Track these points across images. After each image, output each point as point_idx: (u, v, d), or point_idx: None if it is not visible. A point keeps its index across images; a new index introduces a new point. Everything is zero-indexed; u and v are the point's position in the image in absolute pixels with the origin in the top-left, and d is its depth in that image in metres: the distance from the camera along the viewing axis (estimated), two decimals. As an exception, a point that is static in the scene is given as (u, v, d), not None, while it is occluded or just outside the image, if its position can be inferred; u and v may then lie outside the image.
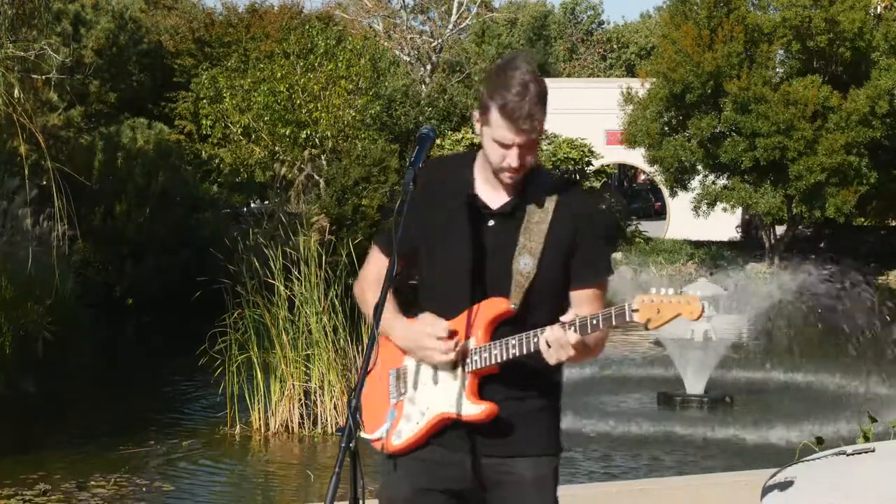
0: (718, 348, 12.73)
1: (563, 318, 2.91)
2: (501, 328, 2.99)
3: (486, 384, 3.00)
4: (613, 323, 2.83)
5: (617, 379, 13.41)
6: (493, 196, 3.05)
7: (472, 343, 2.98)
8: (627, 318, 2.80)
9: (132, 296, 18.84)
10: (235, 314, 10.22)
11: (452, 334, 2.98)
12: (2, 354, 11.37)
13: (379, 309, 2.89)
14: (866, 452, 3.63)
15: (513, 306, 2.97)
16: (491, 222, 3.03)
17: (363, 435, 3.04)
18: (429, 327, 3.01)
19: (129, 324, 18.09)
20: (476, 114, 3.03)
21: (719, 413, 11.67)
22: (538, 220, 3.00)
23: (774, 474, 3.61)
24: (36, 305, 12.31)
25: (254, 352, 10.12)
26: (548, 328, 2.89)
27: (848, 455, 3.62)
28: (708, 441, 10.35)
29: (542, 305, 2.97)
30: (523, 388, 3.02)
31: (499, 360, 2.96)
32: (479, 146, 3.09)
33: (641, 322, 2.78)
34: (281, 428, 10.11)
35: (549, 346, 2.88)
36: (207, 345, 10.05)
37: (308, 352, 10.09)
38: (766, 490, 3.52)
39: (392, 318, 3.10)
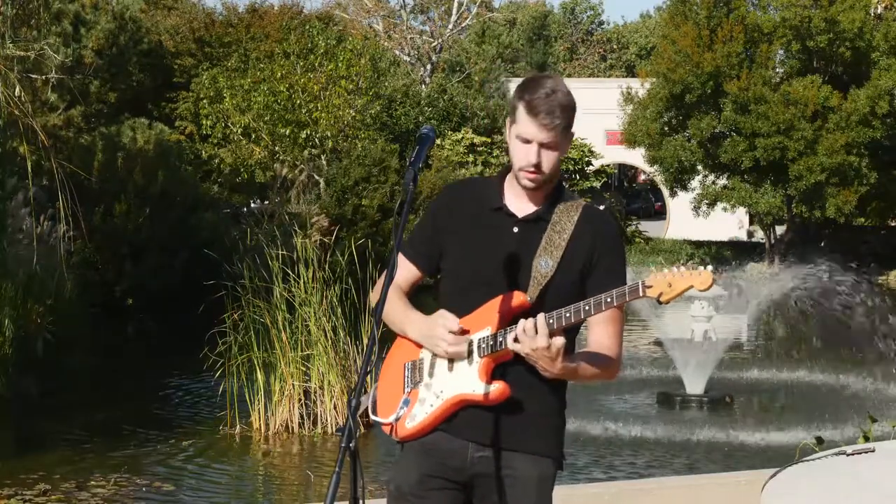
0: (718, 348, 12.72)
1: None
2: (518, 320, 3.10)
3: (497, 375, 3.12)
4: (627, 298, 2.99)
5: (617, 379, 13.38)
6: (519, 206, 3.22)
7: (489, 331, 3.11)
8: (641, 294, 2.96)
9: (132, 296, 18.82)
10: (235, 315, 10.21)
11: (463, 331, 3.13)
12: (2, 354, 11.36)
13: (379, 308, 3.00)
14: (866, 452, 3.63)
15: (529, 299, 3.10)
16: (516, 229, 3.20)
17: (375, 418, 3.21)
18: (442, 319, 3.16)
19: (130, 324, 18.08)
20: (507, 122, 3.27)
21: (719, 413, 11.66)
22: (560, 230, 3.18)
23: (774, 474, 3.62)
24: (36, 305, 12.30)
25: (254, 352, 10.11)
26: (521, 320, 3.02)
27: (848, 455, 3.63)
28: (708, 441, 10.34)
29: (558, 305, 3.07)
30: (531, 384, 3.13)
31: (510, 344, 3.07)
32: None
33: (654, 296, 2.94)
34: (281, 428, 10.10)
35: (517, 342, 3.02)
36: (207, 345, 10.05)
37: (308, 352, 10.08)
38: (766, 490, 3.52)
39: (409, 313, 3.26)
